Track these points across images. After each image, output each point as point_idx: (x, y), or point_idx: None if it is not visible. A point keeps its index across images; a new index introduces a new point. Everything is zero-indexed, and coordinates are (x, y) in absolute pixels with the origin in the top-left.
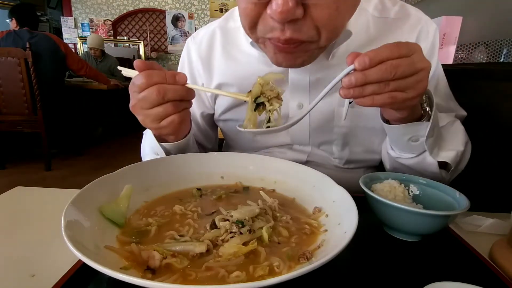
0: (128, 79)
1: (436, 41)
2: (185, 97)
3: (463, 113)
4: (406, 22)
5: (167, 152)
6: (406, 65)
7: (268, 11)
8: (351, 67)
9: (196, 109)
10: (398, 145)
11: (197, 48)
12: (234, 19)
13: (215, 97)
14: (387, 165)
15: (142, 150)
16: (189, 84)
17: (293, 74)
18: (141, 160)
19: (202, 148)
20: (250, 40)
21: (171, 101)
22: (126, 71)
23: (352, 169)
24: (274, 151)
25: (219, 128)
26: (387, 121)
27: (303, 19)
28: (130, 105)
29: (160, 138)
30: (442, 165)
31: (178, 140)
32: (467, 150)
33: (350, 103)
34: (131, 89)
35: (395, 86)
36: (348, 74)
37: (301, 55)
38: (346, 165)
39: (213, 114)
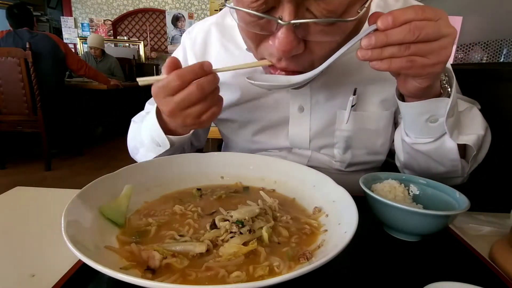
0: (128, 79)
1: None
2: (217, 84)
3: (478, 106)
4: None
5: (172, 144)
6: (431, 28)
7: (270, 42)
8: (373, 27)
9: None
10: (414, 128)
11: (192, 44)
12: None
13: None
14: (401, 156)
15: (132, 139)
16: (215, 68)
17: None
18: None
19: (191, 146)
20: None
21: (210, 93)
22: (144, 80)
23: (354, 172)
24: (274, 155)
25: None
26: (402, 99)
27: (302, 53)
28: (167, 111)
29: (168, 131)
30: (461, 154)
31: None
32: (487, 135)
33: (352, 106)
34: (161, 94)
35: (416, 50)
36: (368, 34)
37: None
38: (348, 168)
39: None
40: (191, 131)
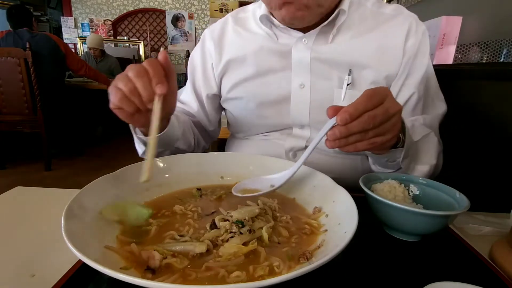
0: None
1: (426, 41)
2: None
3: (444, 110)
4: (399, 17)
5: (142, 141)
6: (382, 114)
7: None
8: (333, 121)
9: (202, 91)
10: (377, 163)
11: (211, 33)
12: (244, 10)
13: (221, 76)
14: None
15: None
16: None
17: (296, 50)
18: (143, 159)
19: (205, 132)
20: (259, 16)
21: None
22: None
23: (352, 154)
24: (274, 138)
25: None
26: None
27: None
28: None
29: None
30: None
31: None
32: (439, 161)
33: (348, 84)
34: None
35: (375, 133)
36: (332, 127)
37: (301, 7)
38: None
39: (217, 95)
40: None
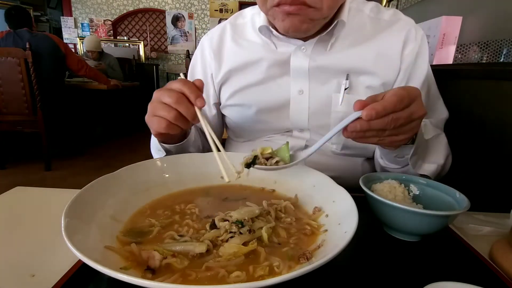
0: (128, 79)
1: (425, 46)
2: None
3: (446, 115)
4: (397, 24)
5: (167, 151)
6: (405, 118)
7: None
8: (358, 113)
9: (210, 100)
10: (386, 158)
11: (209, 41)
12: (242, 16)
13: (220, 85)
14: (377, 167)
15: (151, 141)
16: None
17: (295, 58)
18: (143, 159)
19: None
20: (259, 26)
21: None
22: None
23: (350, 156)
24: (274, 139)
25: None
26: None
27: None
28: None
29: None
30: None
31: (173, 142)
32: (447, 162)
33: (345, 89)
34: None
35: (391, 133)
36: (354, 120)
37: (306, 20)
38: (343, 151)
39: (217, 102)
40: (181, 143)
